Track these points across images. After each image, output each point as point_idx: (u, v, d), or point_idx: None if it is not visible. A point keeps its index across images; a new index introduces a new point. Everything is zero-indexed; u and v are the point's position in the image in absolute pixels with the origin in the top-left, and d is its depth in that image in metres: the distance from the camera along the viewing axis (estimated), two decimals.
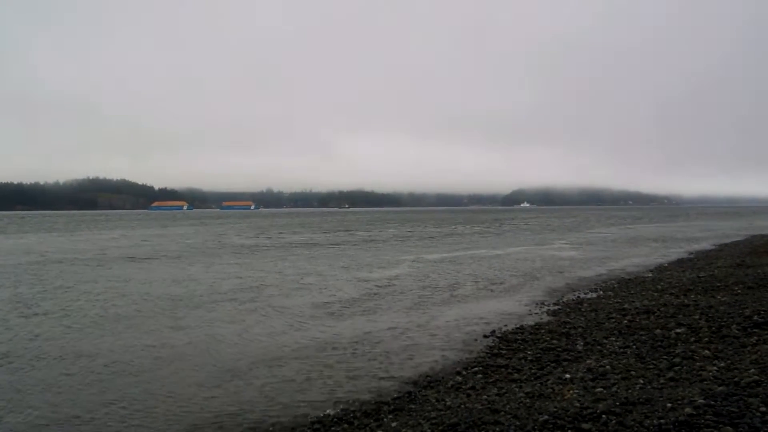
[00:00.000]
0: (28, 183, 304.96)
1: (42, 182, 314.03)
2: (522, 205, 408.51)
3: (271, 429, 6.69)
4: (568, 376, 7.32)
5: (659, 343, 8.58)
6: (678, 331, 9.23)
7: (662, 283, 15.73)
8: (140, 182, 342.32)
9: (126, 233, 56.29)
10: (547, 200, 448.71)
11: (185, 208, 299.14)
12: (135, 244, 39.43)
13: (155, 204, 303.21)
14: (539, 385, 7.14)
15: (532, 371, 7.92)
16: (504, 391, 7.07)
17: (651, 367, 7.36)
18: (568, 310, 12.68)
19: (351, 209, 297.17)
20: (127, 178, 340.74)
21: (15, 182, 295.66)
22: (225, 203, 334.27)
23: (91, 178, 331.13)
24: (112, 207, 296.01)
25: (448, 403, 6.77)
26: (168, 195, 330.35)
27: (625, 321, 10.48)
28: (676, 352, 7.94)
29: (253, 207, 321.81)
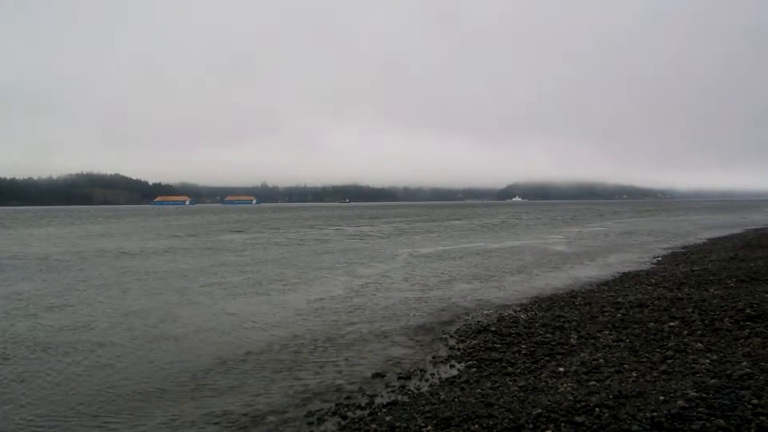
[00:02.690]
0: (21, 178, 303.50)
1: (35, 177, 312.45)
2: (514, 199, 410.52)
3: (264, 422, 6.69)
4: (561, 369, 7.35)
5: (652, 337, 8.62)
6: (671, 324, 9.27)
7: (656, 277, 15.79)
8: (134, 177, 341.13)
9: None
10: (542, 194, 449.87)
11: (187, 203, 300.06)
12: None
13: (158, 199, 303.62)
14: (533, 378, 7.15)
15: (526, 365, 7.94)
16: (498, 384, 7.08)
17: (644, 360, 7.39)
18: (562, 303, 12.70)
19: (351, 204, 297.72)
20: (121, 173, 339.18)
21: (8, 178, 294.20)
22: (227, 198, 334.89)
23: (85, 173, 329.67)
24: (106, 202, 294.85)
25: (442, 397, 6.78)
26: (163, 190, 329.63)
27: (619, 314, 10.52)
28: (669, 345, 7.98)
29: (254, 201, 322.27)
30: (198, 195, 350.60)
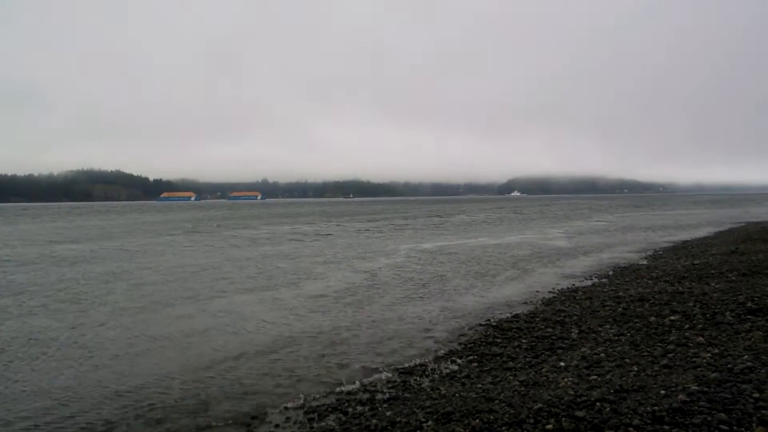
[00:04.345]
0: (22, 175, 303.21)
1: (36, 174, 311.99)
2: (513, 194, 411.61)
3: (265, 418, 6.69)
4: (562, 364, 7.33)
5: (654, 331, 8.60)
6: (672, 318, 9.25)
7: (657, 271, 15.77)
8: (135, 173, 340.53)
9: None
10: (543, 189, 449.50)
11: (193, 198, 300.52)
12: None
13: (164, 195, 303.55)
14: (534, 373, 7.14)
15: (527, 359, 7.93)
16: (499, 379, 7.08)
17: (645, 354, 7.38)
18: (563, 298, 12.70)
19: (355, 199, 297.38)
20: (122, 170, 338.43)
21: (9, 174, 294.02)
22: (233, 194, 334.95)
23: (85, 169, 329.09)
24: (107, 198, 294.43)
25: (443, 392, 6.77)
26: (163, 186, 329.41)
27: (620, 309, 10.51)
28: (671, 339, 7.96)
29: (260, 197, 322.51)
30: (198, 191, 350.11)
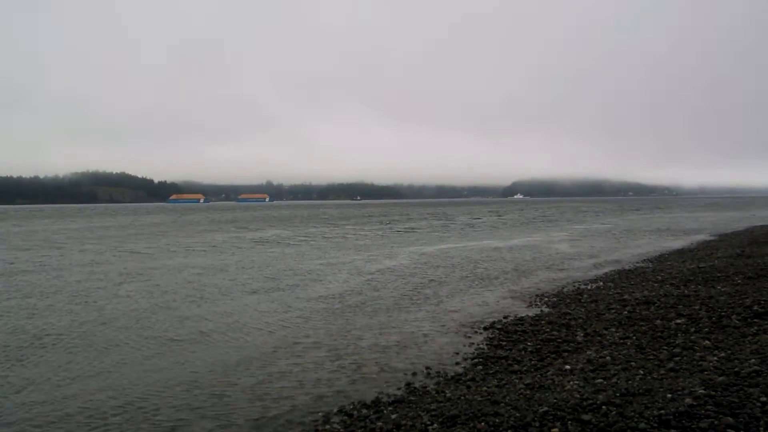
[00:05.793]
0: (28, 177, 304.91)
1: (41, 176, 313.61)
2: (516, 196, 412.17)
3: (270, 422, 6.68)
4: (568, 367, 7.31)
5: (659, 334, 8.57)
6: (678, 321, 9.22)
7: (662, 274, 15.71)
8: (140, 175, 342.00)
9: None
10: (547, 192, 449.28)
11: (202, 201, 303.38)
12: None
13: (173, 197, 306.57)
14: (539, 376, 7.13)
15: (532, 362, 7.91)
16: (504, 382, 7.06)
17: (651, 357, 7.35)
18: (568, 301, 12.66)
19: (362, 201, 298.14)
20: (126, 172, 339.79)
21: (15, 176, 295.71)
22: (241, 196, 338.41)
23: (90, 171, 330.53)
24: (111, 200, 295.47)
25: (448, 395, 6.76)
26: (168, 188, 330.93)
27: (625, 312, 10.47)
28: (677, 342, 7.93)
29: (267, 199, 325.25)
30: (203, 193, 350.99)
